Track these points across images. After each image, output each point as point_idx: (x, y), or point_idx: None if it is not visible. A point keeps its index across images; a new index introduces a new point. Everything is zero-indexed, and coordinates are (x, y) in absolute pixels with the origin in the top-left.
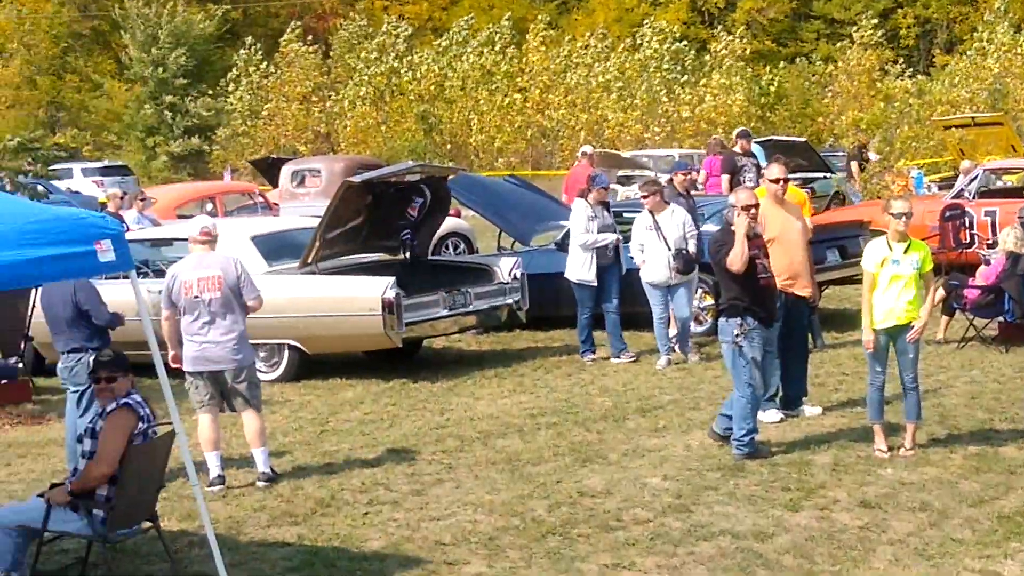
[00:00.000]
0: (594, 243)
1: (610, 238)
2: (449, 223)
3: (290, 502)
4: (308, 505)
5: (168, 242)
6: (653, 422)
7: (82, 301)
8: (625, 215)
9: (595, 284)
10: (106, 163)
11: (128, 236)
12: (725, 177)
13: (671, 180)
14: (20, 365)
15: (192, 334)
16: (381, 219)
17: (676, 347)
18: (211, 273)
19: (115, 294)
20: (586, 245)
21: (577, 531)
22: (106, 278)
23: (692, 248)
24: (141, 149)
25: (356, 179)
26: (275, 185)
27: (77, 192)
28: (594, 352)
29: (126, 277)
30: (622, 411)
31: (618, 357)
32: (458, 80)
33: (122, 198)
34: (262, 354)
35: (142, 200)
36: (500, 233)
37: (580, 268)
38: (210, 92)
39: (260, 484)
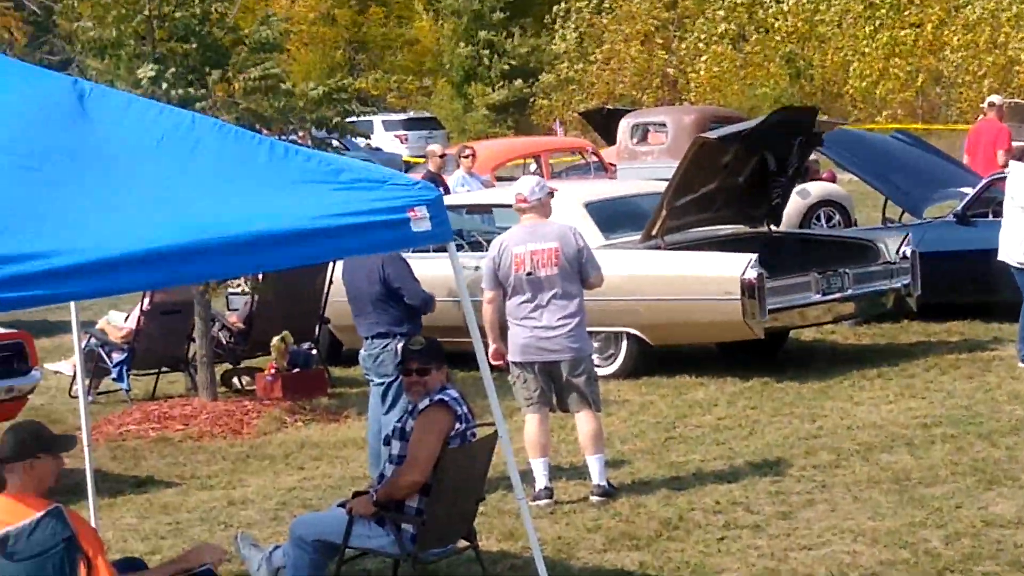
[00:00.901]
0: None
1: None
2: (823, 189)
3: (630, 522)
4: (651, 526)
5: (486, 208)
6: None
7: (392, 277)
8: None
9: None
10: (411, 114)
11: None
12: None
13: None
14: (315, 352)
15: (521, 318)
16: (740, 183)
17: None
18: (547, 245)
19: (421, 270)
20: None
21: (981, 569)
22: (413, 251)
23: None
24: (455, 97)
25: (711, 135)
26: (611, 141)
27: (378, 148)
28: None
29: (438, 250)
30: None
31: None
32: (834, 15)
33: (442, 156)
34: (596, 344)
35: (467, 156)
36: (885, 202)
37: (1021, 247)
38: (533, 31)
39: (594, 499)
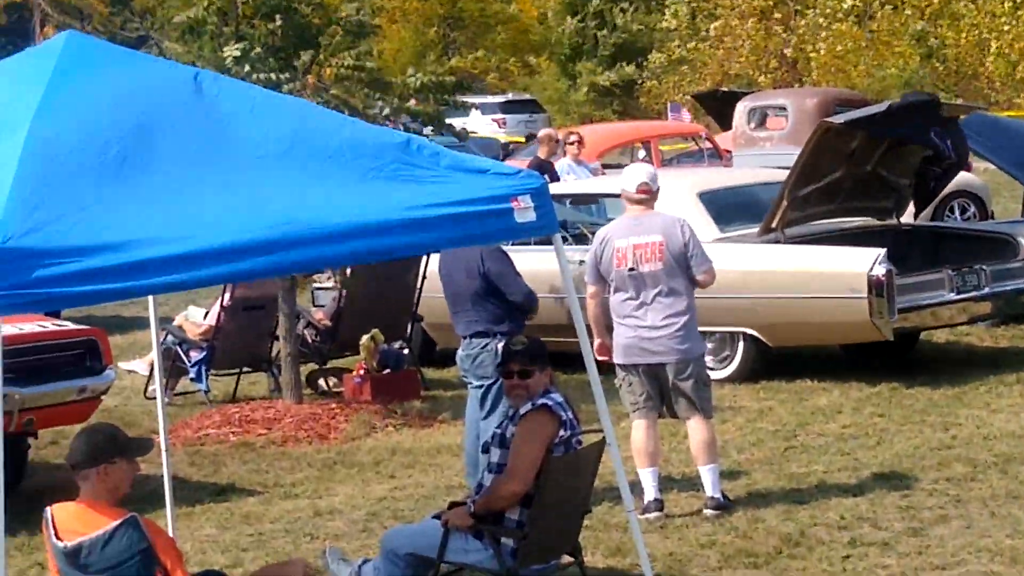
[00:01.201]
0: None
1: None
2: (957, 178)
3: (747, 538)
4: (770, 543)
5: (592, 198)
6: None
7: (492, 273)
8: None
9: None
10: (509, 96)
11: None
12: None
13: None
14: (406, 351)
15: (624, 316)
16: (867, 172)
17: None
18: (650, 239)
19: (520, 265)
20: None
21: None
22: (513, 244)
23: None
24: (559, 76)
25: (837, 120)
26: (726, 126)
27: (474, 133)
28: None
29: (540, 243)
30: None
31: None
32: None
33: (557, 141)
34: (710, 345)
35: (573, 143)
36: None
37: None
38: (642, 7)
39: (708, 513)
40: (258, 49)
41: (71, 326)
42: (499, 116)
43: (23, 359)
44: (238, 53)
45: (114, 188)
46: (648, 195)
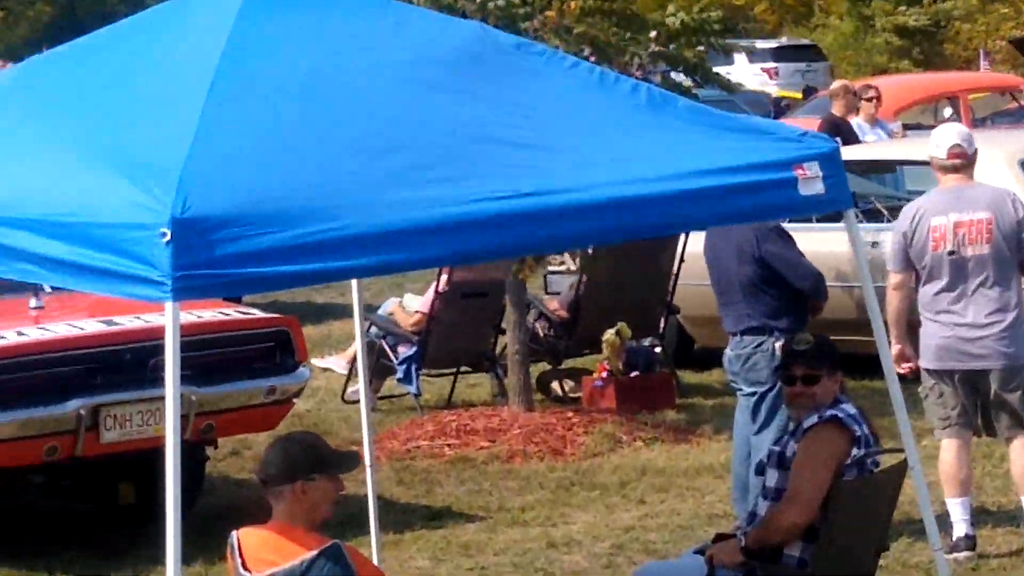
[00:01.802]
0: None
1: None
2: None
3: None
4: None
5: (890, 166)
6: None
7: (770, 255)
8: None
9: None
10: (784, 41)
11: None
12: None
13: None
14: (659, 350)
15: (938, 312)
16: None
17: None
18: (976, 215)
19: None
20: None
21: None
22: (790, 221)
23: None
24: (850, 16)
25: None
26: None
27: (739, 85)
28: None
29: (822, 220)
30: None
31: None
32: None
33: (854, 94)
34: None
35: (870, 99)
36: None
37: None
38: None
39: None
40: None
41: (258, 314)
42: (770, 65)
43: (201, 353)
44: None
45: (317, 146)
46: (964, 160)
